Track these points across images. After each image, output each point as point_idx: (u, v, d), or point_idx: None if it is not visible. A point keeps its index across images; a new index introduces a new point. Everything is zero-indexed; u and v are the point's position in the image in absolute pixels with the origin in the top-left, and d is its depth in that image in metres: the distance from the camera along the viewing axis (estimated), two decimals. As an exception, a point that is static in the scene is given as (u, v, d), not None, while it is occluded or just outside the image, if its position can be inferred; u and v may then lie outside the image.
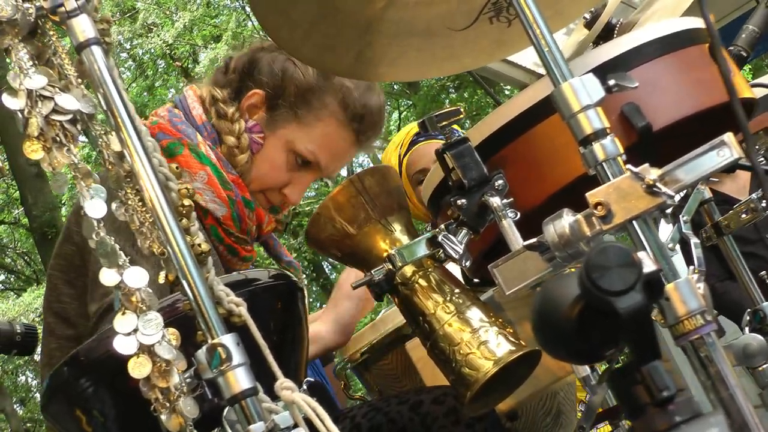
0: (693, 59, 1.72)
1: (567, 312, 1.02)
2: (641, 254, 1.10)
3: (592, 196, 1.32)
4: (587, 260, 1.03)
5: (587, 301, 1.02)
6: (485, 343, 1.65)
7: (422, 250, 1.66)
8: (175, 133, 2.32)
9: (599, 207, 1.30)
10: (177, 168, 1.46)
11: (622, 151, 1.34)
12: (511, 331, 1.69)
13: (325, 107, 2.38)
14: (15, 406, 16.36)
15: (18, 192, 14.26)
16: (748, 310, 2.21)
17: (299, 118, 2.37)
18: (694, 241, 1.53)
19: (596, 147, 1.33)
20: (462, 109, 1.61)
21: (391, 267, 1.67)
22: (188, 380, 1.36)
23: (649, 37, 1.70)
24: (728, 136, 1.33)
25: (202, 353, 1.33)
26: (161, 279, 1.40)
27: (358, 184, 1.74)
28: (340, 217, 1.74)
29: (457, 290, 1.71)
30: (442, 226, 1.63)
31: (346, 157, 2.50)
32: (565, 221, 1.37)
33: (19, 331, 1.62)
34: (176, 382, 1.35)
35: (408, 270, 1.72)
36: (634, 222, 1.32)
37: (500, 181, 1.59)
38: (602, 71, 1.64)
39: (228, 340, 1.33)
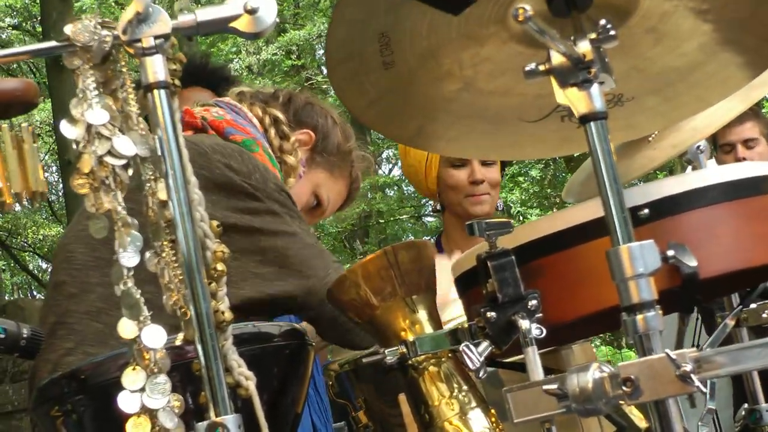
0: (756, 210, 1.72)
1: None
2: None
3: (624, 368, 1.33)
4: None
5: None
6: (480, 450, 1.68)
7: (442, 344, 1.69)
8: (247, 131, 2.38)
9: (628, 383, 1.32)
10: (218, 226, 1.47)
11: (662, 328, 1.35)
12: (509, 442, 1.71)
13: (348, 170, 2.78)
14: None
15: (39, 8, 14.34)
16: (745, 405, 2.24)
17: (332, 170, 2.73)
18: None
19: (639, 319, 1.35)
20: (512, 222, 1.61)
21: (405, 352, 1.69)
22: (182, 447, 1.38)
23: (716, 179, 1.70)
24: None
25: (202, 428, 1.35)
26: (179, 340, 1.42)
27: (391, 257, 1.76)
28: (366, 286, 1.76)
29: (465, 387, 1.74)
30: (467, 326, 1.65)
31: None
32: (589, 376, 1.39)
33: (25, 335, 1.64)
34: (171, 451, 1.37)
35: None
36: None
37: (534, 302, 1.60)
38: (662, 206, 1.67)
39: (231, 422, 1.35)
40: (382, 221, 19.59)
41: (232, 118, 2.42)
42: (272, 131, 2.53)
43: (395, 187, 20.36)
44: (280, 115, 2.57)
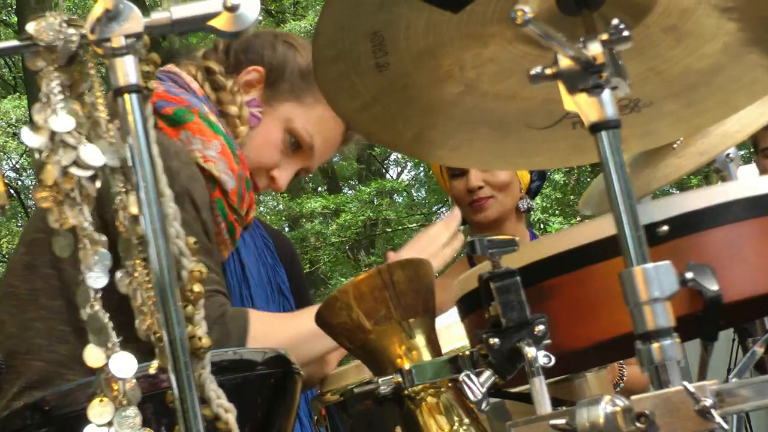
0: (785, 227, 1.70)
1: None
2: None
3: (638, 402, 1.32)
4: None
5: None
6: (482, 488, 1.67)
7: (441, 373, 1.67)
8: (180, 100, 2.37)
9: (642, 419, 1.31)
10: (195, 243, 1.46)
11: (680, 358, 1.34)
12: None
13: None
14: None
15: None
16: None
17: (299, 97, 2.56)
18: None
19: (654, 347, 1.33)
20: (517, 240, 1.60)
21: (401, 381, 1.68)
22: (154, 486, 1.38)
23: (742, 193, 1.68)
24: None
25: (175, 464, 1.35)
26: (153, 369, 1.41)
27: (386, 276, 1.75)
28: (358, 308, 1.75)
29: (466, 420, 1.73)
30: (468, 353, 1.64)
31: (334, 148, 2.70)
32: (601, 410, 1.38)
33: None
34: (140, 489, 1.37)
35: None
36: None
37: (541, 327, 1.58)
38: (683, 223, 1.65)
39: (207, 460, 1.34)
40: (390, 230, 19.57)
41: (164, 89, 2.39)
42: (207, 86, 2.49)
43: (404, 193, 20.35)
44: (213, 65, 2.52)
